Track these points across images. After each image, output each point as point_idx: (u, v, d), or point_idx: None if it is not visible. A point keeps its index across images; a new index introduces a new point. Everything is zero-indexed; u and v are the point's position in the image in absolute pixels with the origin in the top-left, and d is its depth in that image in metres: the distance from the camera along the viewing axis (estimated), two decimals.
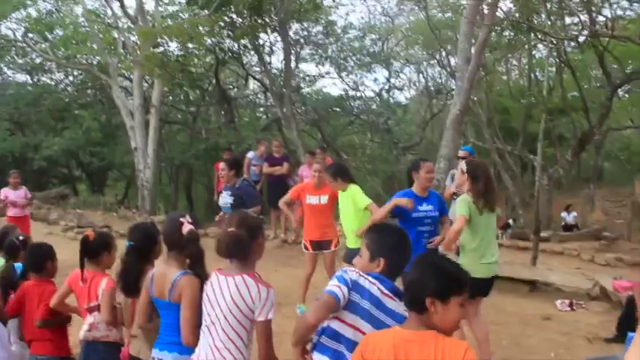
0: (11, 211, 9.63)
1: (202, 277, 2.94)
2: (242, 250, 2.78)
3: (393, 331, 2.20)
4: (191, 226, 3.02)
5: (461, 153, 7.51)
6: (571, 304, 6.91)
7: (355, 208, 5.88)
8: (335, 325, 2.54)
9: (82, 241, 3.66)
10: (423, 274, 2.15)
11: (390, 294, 2.51)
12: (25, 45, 19.86)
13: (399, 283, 2.53)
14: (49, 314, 3.77)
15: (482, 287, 4.74)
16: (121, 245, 3.62)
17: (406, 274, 2.24)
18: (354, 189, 5.98)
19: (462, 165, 5.05)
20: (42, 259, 3.93)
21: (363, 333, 2.44)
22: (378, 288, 2.51)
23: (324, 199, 6.45)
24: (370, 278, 2.53)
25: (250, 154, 10.88)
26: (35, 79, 22.21)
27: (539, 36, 14.78)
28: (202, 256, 3.05)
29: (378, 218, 5.24)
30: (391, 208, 5.21)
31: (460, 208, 4.74)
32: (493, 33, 14.98)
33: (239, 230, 2.79)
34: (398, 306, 2.48)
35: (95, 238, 3.67)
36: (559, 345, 5.72)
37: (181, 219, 3.04)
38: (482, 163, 5.14)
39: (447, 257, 2.27)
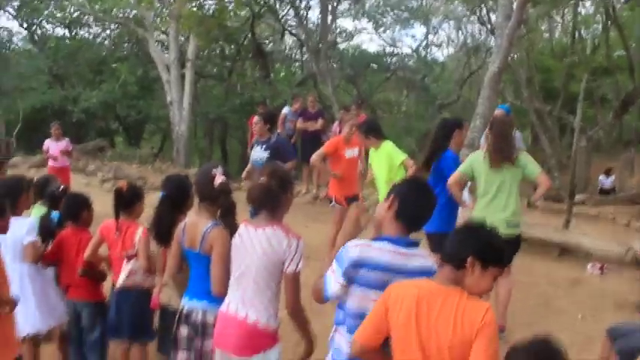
0: (52, 162, 9.93)
1: (233, 229, 2.97)
2: (272, 201, 2.81)
3: (420, 283, 2.22)
4: (223, 178, 3.05)
5: (497, 112, 7.35)
6: (602, 268, 6.83)
7: (390, 164, 5.87)
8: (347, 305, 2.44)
9: (116, 192, 3.80)
10: (473, 233, 2.20)
11: (409, 251, 2.39)
12: None
13: None
14: (87, 264, 3.91)
15: None
16: (156, 196, 3.72)
17: (456, 228, 2.29)
18: (388, 145, 5.98)
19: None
20: (78, 209, 4.06)
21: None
22: (391, 251, 2.37)
23: (356, 152, 6.54)
24: (378, 245, 2.40)
25: (286, 110, 10.93)
26: (73, 33, 22.42)
27: None
28: (234, 208, 3.09)
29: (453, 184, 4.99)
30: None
31: (462, 163, 4.87)
32: None
33: (270, 181, 2.82)
34: (425, 261, 2.39)
35: (128, 188, 3.81)
36: (587, 307, 5.70)
37: (214, 170, 3.07)
38: (499, 119, 5.04)
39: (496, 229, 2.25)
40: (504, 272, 4.80)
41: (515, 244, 4.81)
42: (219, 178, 3.04)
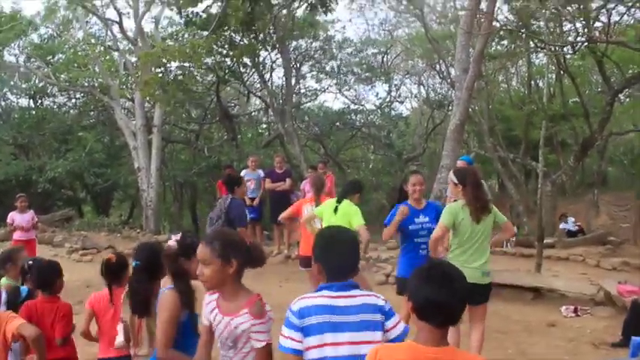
0: (17, 235, 9.71)
1: (183, 292, 2.97)
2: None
3: (409, 347, 2.11)
4: (173, 243, 3.05)
5: (459, 163, 7.55)
6: (576, 310, 6.90)
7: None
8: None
9: (106, 264, 3.86)
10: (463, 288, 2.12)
11: (349, 293, 2.49)
12: (27, 70, 20.09)
13: None
14: (66, 332, 3.90)
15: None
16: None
17: (429, 288, 2.08)
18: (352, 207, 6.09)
19: (451, 176, 5.15)
20: (52, 277, 4.03)
21: (334, 344, 2.41)
22: (330, 296, 2.46)
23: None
24: (316, 294, 2.50)
25: (243, 172, 10.89)
26: (38, 103, 22.40)
27: (537, 43, 14.84)
28: (182, 272, 3.01)
29: (388, 236, 5.60)
30: (396, 224, 5.36)
31: (443, 216, 4.96)
32: (491, 42, 15.09)
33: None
34: (369, 298, 2.51)
35: (117, 259, 3.92)
36: (565, 351, 5.71)
37: (171, 235, 3.14)
38: (470, 171, 5.22)
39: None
40: (479, 317, 4.86)
41: (488, 289, 4.90)
42: (169, 243, 3.06)
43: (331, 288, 2.49)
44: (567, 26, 14.54)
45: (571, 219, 15.11)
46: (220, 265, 2.62)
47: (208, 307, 2.77)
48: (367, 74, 22.53)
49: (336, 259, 2.55)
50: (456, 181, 5.04)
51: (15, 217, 9.76)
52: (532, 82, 21.75)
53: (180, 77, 15.16)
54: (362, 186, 6.50)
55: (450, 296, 2.05)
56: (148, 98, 15.59)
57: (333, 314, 2.43)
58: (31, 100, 22.50)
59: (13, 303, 3.98)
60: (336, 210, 5.98)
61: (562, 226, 14.75)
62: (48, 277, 4.01)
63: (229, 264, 2.63)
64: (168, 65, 14.81)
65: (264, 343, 2.61)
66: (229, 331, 2.65)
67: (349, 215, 5.90)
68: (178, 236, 3.09)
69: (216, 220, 6.17)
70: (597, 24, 12.98)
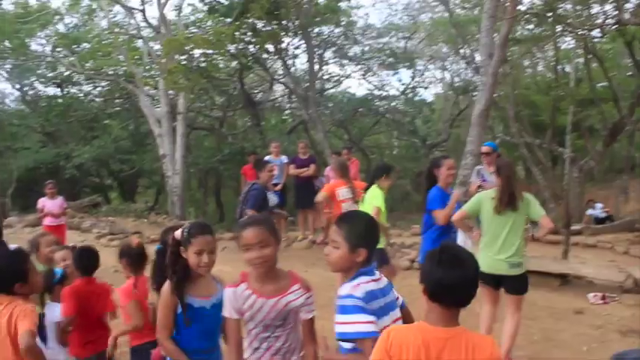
0: (48, 220, 9.92)
1: (175, 285, 2.94)
2: None
3: (420, 328, 2.13)
4: (178, 233, 3.02)
5: (484, 149, 7.49)
6: (603, 297, 6.80)
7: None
8: None
9: (138, 249, 4.02)
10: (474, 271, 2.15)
11: (376, 277, 2.56)
12: (54, 59, 20.35)
13: None
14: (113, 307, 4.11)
15: (491, 281, 4.89)
16: (154, 249, 3.76)
17: (441, 270, 2.10)
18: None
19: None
20: (93, 262, 4.15)
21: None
22: (374, 280, 2.54)
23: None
24: (364, 279, 2.49)
25: (266, 159, 10.92)
26: (65, 92, 22.70)
27: (564, 27, 14.54)
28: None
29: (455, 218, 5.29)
30: (452, 206, 5.34)
31: (469, 202, 5.11)
32: (517, 26, 14.84)
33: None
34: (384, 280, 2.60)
35: (139, 245, 4.09)
36: (592, 339, 5.64)
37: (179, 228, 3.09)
38: (506, 163, 5.18)
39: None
40: (513, 307, 4.85)
41: (520, 281, 4.89)
42: (177, 233, 3.02)
43: (368, 273, 2.53)
44: (595, 9, 14.22)
45: (599, 205, 14.90)
46: (275, 246, 2.74)
47: (240, 298, 2.73)
48: (390, 60, 22.35)
49: (375, 243, 2.62)
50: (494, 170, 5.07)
51: (45, 203, 9.97)
52: (559, 67, 21.35)
53: (203, 65, 15.20)
54: (390, 168, 6.47)
55: (461, 278, 2.08)
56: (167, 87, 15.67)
57: (384, 296, 2.53)
58: (58, 89, 22.84)
59: (48, 285, 4.06)
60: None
61: (589, 212, 14.55)
62: (90, 262, 4.15)
63: (278, 245, 2.78)
64: (191, 53, 14.85)
65: (314, 313, 2.77)
66: (278, 311, 2.70)
67: (370, 199, 5.99)
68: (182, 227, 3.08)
69: (244, 204, 6.39)
70: (628, 5, 12.68)
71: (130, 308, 3.88)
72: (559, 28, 15.47)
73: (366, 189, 6.23)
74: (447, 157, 5.76)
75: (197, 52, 15.23)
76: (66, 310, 3.93)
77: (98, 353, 4.05)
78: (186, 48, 14.22)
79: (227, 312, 2.75)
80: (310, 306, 2.77)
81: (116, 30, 19.24)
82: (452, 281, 2.06)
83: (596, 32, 12.78)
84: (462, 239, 5.86)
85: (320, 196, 6.93)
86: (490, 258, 4.86)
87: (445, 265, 2.09)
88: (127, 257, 4.00)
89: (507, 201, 4.82)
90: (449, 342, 2.07)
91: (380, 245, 6.03)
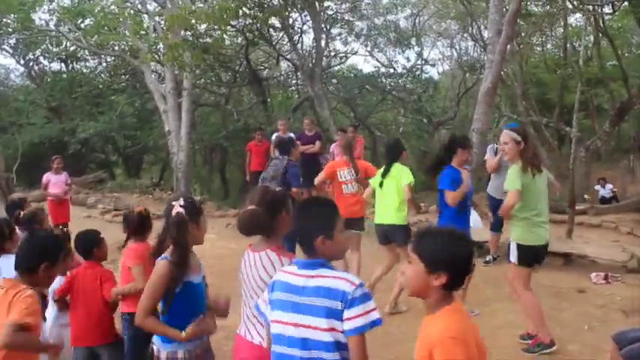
0: (52, 194, 9.96)
1: (178, 264, 2.87)
2: (260, 227, 2.80)
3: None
4: (180, 210, 2.94)
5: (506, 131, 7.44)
6: (606, 277, 6.78)
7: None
8: None
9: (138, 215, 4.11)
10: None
11: (311, 272, 2.40)
12: (58, 34, 20.24)
13: None
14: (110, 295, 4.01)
15: (535, 255, 4.90)
16: (157, 226, 3.73)
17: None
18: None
19: (513, 134, 4.96)
20: (89, 247, 4.09)
21: (283, 322, 2.44)
22: (294, 273, 2.43)
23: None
24: (286, 268, 2.50)
25: (274, 136, 10.91)
26: (70, 67, 22.64)
27: (575, 3, 14.34)
28: (183, 242, 2.93)
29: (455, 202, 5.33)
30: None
31: (513, 181, 4.78)
32: (526, 3, 14.64)
33: (257, 207, 2.81)
34: (326, 281, 2.34)
35: (141, 213, 4.14)
36: (594, 318, 5.65)
37: (174, 203, 2.99)
38: (525, 129, 5.22)
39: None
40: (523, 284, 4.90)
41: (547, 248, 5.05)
42: (175, 210, 2.94)
43: (297, 264, 2.43)
44: None
45: (609, 186, 14.85)
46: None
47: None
48: (398, 36, 22.14)
49: (294, 231, 2.47)
50: (519, 139, 4.92)
51: (50, 177, 10.01)
52: (568, 45, 21.11)
53: (208, 40, 15.06)
54: (402, 144, 6.39)
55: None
56: (167, 63, 15.55)
57: (288, 292, 2.37)
58: (63, 64, 22.77)
59: None
60: (385, 174, 5.99)
61: (597, 188, 14.52)
62: (86, 247, 4.09)
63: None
64: (196, 28, 14.70)
65: None
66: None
67: (399, 175, 5.90)
68: (182, 202, 2.98)
69: (271, 180, 6.30)
70: None
71: (138, 270, 3.88)
72: (569, 4, 15.27)
73: (387, 169, 6.02)
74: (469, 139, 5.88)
75: (202, 27, 15.07)
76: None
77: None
78: (191, 22, 14.06)
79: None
80: None
81: (121, 4, 19.11)
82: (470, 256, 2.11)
83: (607, 9, 12.58)
84: (474, 218, 5.86)
85: (319, 178, 6.82)
86: (535, 231, 4.83)
87: (463, 243, 2.11)
88: (129, 223, 4.07)
89: (539, 165, 4.89)
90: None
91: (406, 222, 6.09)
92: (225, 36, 16.52)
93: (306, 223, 2.40)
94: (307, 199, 2.65)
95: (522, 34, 18.30)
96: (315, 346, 2.27)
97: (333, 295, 2.24)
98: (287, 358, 2.35)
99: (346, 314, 2.22)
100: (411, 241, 2.20)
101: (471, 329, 2.08)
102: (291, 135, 11.07)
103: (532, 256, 4.86)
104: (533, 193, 4.81)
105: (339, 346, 2.26)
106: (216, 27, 14.98)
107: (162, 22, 17.06)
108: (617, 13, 15.01)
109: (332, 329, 2.24)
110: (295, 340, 2.32)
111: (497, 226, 7.64)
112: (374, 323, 2.23)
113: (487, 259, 7.73)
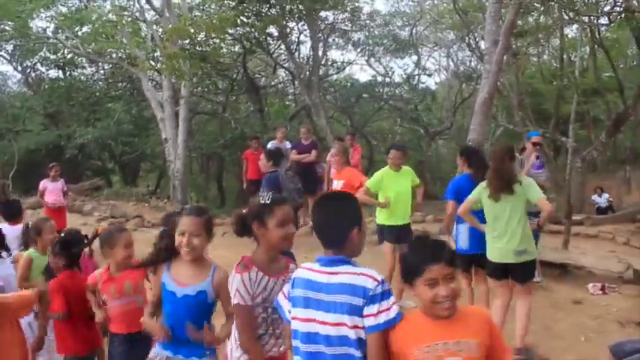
0: (49, 202, 9.95)
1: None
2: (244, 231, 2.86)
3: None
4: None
5: (536, 139, 7.36)
6: (603, 288, 6.78)
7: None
8: None
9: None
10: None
11: (333, 269, 2.39)
12: (56, 41, 20.25)
13: None
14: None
15: (495, 270, 4.99)
16: (153, 234, 3.71)
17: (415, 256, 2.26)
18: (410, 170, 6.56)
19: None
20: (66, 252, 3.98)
21: (303, 319, 2.40)
22: (314, 270, 2.43)
23: (342, 184, 6.82)
24: (307, 265, 2.50)
25: (270, 144, 10.88)
26: (67, 74, 22.63)
27: (571, 15, 14.42)
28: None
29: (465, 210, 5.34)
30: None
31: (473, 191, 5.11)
32: (522, 14, 14.70)
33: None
34: (349, 277, 2.32)
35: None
36: (590, 329, 5.64)
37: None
38: (499, 148, 5.27)
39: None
40: (521, 294, 4.91)
41: (526, 268, 4.94)
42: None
43: (320, 261, 2.41)
44: None
45: (605, 195, 14.89)
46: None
47: (255, 282, 2.70)
48: (395, 46, 22.22)
49: (318, 223, 2.47)
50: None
51: (46, 185, 10.00)
52: (564, 56, 21.23)
53: (207, 49, 15.08)
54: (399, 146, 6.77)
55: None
56: (165, 72, 15.56)
57: (310, 289, 2.37)
58: (61, 71, 22.76)
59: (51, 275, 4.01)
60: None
61: (594, 198, 14.56)
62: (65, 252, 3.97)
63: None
64: (195, 38, 14.72)
65: None
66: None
67: (411, 174, 6.36)
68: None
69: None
70: None
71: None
72: (565, 15, 15.35)
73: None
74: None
75: (200, 36, 15.09)
76: (55, 307, 3.82)
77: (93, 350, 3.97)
78: (190, 31, 14.07)
79: (239, 299, 2.67)
80: None
81: (119, 12, 19.12)
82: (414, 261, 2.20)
83: (603, 20, 12.66)
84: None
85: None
86: (494, 246, 4.90)
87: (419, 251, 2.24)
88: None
89: (501, 185, 4.81)
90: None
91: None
92: (222, 44, 16.53)
93: (338, 217, 2.39)
94: (327, 194, 2.66)
95: (519, 44, 18.38)
96: (341, 343, 2.28)
97: (356, 292, 2.26)
98: (313, 355, 2.35)
99: (366, 311, 2.24)
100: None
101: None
102: (286, 144, 11.08)
103: (493, 270, 5.07)
104: (490, 211, 4.94)
105: (363, 343, 2.28)
106: (214, 36, 15.01)
107: (160, 31, 17.09)
108: (612, 25, 15.09)
109: (355, 326, 2.26)
110: (319, 337, 2.33)
111: None
112: (393, 320, 2.24)
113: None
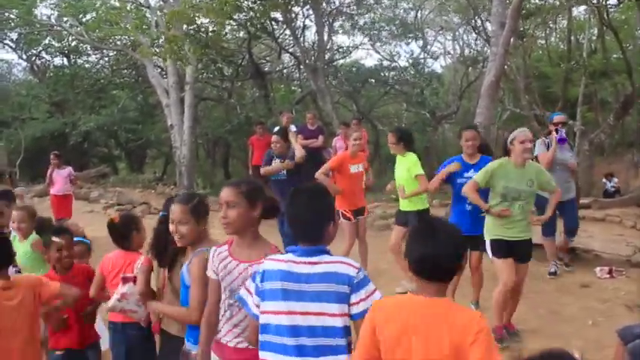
0: (55, 190, 9.97)
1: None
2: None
3: (406, 298, 2.19)
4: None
5: (558, 119, 7.14)
6: (610, 272, 6.75)
7: (408, 175, 6.12)
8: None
9: (107, 225, 3.74)
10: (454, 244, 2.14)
11: (312, 259, 2.38)
12: (60, 29, 20.20)
13: None
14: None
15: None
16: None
17: (417, 244, 2.15)
18: (411, 157, 6.18)
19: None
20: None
21: (280, 312, 2.36)
22: (289, 261, 2.39)
23: (361, 167, 6.73)
24: (276, 257, 2.47)
25: (276, 129, 10.84)
26: (72, 62, 22.61)
27: None
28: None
29: (433, 187, 5.81)
30: (442, 176, 5.59)
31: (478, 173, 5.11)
32: None
33: None
34: (330, 266, 2.33)
35: (120, 219, 3.75)
36: (597, 313, 5.62)
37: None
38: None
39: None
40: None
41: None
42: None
43: (295, 252, 2.41)
44: None
45: (615, 179, 14.83)
46: (246, 208, 2.65)
47: (217, 258, 2.72)
48: (400, 29, 22.05)
49: (296, 218, 2.46)
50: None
51: (53, 172, 10.01)
52: (572, 38, 21.00)
53: (209, 34, 14.99)
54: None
55: (433, 249, 2.08)
56: (165, 56, 15.45)
57: (290, 281, 2.35)
58: (65, 59, 22.73)
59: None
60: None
61: (604, 181, 14.53)
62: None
63: (255, 207, 2.67)
64: (197, 23, 14.62)
65: None
66: (245, 278, 2.62)
67: (409, 164, 6.12)
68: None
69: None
70: None
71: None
72: None
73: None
74: (469, 129, 5.84)
75: (202, 21, 14.99)
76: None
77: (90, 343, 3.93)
78: (192, 16, 13.97)
79: (208, 271, 2.75)
80: None
81: None
82: (425, 252, 2.10)
83: (611, 1, 12.47)
84: None
85: (321, 172, 6.86)
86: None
87: (421, 238, 2.14)
88: (113, 233, 3.76)
89: None
90: (430, 311, 2.09)
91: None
92: (225, 30, 16.42)
93: (317, 212, 2.43)
94: (303, 188, 2.60)
95: (526, 26, 18.19)
96: (325, 333, 2.29)
97: (340, 280, 2.29)
98: (287, 348, 2.33)
99: (353, 298, 2.29)
100: None
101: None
102: (292, 127, 11.01)
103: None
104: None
105: (347, 331, 2.31)
106: (214, 20, 14.89)
107: (164, 17, 16.99)
108: (622, 6, 14.90)
109: (343, 314, 2.29)
110: (300, 328, 2.31)
111: (550, 230, 6.80)
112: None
113: (551, 269, 6.83)
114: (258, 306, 2.42)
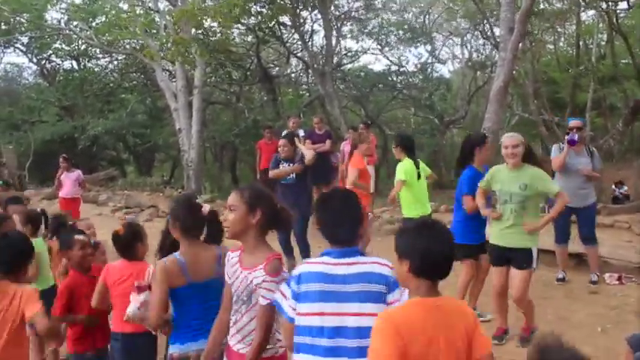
0: (63, 192, 10.03)
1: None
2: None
3: (417, 303, 2.11)
4: (208, 207, 3.16)
5: (573, 123, 6.94)
6: (620, 278, 6.71)
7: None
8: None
9: (112, 237, 3.70)
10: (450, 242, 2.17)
11: (347, 260, 2.42)
12: (70, 32, 20.34)
13: None
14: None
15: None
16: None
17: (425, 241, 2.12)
18: (403, 163, 6.30)
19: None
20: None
21: (322, 313, 2.37)
22: (325, 262, 2.43)
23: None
24: (313, 259, 2.51)
25: (284, 134, 10.86)
26: (81, 66, 22.75)
27: (587, 0, 14.20)
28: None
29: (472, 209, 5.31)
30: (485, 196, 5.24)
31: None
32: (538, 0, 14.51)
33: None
34: (366, 267, 2.40)
35: (125, 231, 3.70)
36: (606, 319, 5.58)
37: (203, 205, 3.18)
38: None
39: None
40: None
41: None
42: (206, 208, 3.14)
43: (331, 254, 2.45)
44: None
45: (625, 187, 14.76)
46: (245, 212, 2.66)
47: (229, 263, 2.78)
48: (409, 34, 22.07)
49: (330, 222, 2.50)
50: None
51: (62, 175, 10.07)
52: (581, 43, 20.92)
53: (216, 38, 15.05)
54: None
55: (442, 245, 2.12)
56: (172, 59, 15.51)
57: (328, 282, 2.38)
58: (75, 63, 22.89)
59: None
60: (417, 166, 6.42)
61: (614, 187, 14.46)
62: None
63: (253, 213, 2.66)
64: (205, 26, 14.66)
65: (267, 302, 2.57)
66: (245, 285, 2.65)
67: (397, 169, 6.28)
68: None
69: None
70: None
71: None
72: (582, 1, 15.12)
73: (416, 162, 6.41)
74: (487, 136, 5.89)
75: (210, 24, 15.03)
76: (54, 309, 3.68)
77: (98, 349, 3.85)
78: (199, 19, 14.01)
79: (225, 275, 2.81)
80: (267, 292, 2.57)
81: (133, 2, 19.14)
82: (437, 249, 2.10)
83: (621, 5, 12.43)
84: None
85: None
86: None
87: (427, 236, 2.12)
88: (118, 245, 3.71)
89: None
90: (446, 308, 2.11)
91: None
92: (233, 34, 16.50)
93: (352, 215, 2.51)
94: (334, 193, 2.67)
95: (534, 31, 18.15)
96: (363, 334, 2.29)
97: (376, 279, 2.36)
98: (324, 350, 2.35)
99: (390, 298, 2.36)
100: None
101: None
102: (299, 131, 11.03)
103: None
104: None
105: None
106: (221, 22, 14.93)
107: (173, 20, 17.08)
108: (631, 10, 14.84)
109: (375, 313, 2.30)
110: (338, 329, 2.35)
111: (562, 237, 6.77)
112: None
113: (559, 276, 6.80)
114: (294, 309, 2.44)
